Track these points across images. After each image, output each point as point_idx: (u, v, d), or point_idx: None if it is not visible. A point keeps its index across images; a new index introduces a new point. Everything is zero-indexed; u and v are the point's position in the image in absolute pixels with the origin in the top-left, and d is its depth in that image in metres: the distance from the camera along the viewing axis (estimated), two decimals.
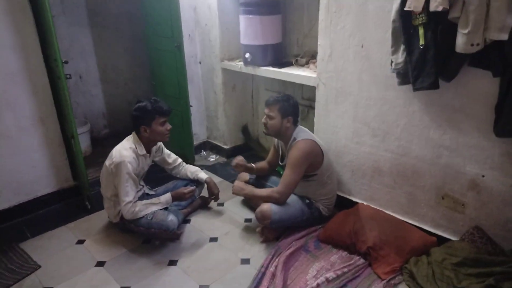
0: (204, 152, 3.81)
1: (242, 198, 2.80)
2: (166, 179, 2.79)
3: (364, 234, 2.18)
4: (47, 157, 2.77)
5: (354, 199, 2.62)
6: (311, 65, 2.77)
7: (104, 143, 4.02)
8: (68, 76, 2.58)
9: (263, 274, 2.06)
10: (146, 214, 2.29)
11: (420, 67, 1.89)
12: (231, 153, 3.69)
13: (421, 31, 1.84)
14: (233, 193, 2.44)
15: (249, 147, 3.79)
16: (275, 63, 2.96)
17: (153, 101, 2.34)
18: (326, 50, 2.45)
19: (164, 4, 3.06)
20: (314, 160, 2.33)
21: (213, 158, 3.71)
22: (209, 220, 2.66)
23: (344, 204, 2.61)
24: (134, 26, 4.07)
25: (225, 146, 3.69)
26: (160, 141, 2.50)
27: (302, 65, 2.85)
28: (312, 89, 2.78)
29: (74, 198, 2.95)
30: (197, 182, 2.71)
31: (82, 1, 3.72)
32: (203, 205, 2.82)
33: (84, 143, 3.71)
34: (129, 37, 4.11)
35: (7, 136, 2.56)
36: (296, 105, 2.39)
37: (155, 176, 2.85)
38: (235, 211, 2.73)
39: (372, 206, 2.48)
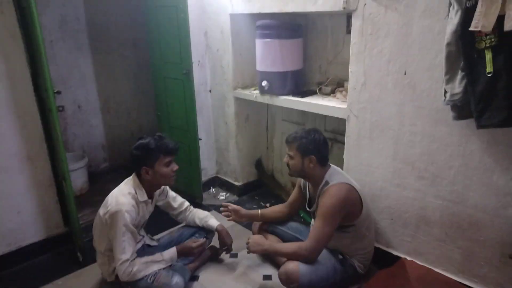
0: (213, 189, 3.43)
1: None
2: (170, 223, 2.40)
3: None
4: (34, 200, 2.40)
5: (394, 252, 2.20)
6: (338, 94, 2.43)
7: (103, 179, 3.68)
8: (60, 109, 2.25)
9: None
10: (146, 275, 1.89)
11: (487, 100, 1.53)
12: (243, 190, 3.31)
13: (488, 55, 1.49)
14: (249, 252, 2.04)
15: (263, 183, 3.41)
16: (295, 92, 2.61)
17: (157, 138, 1.99)
18: (359, 78, 2.10)
19: (172, 29, 2.77)
20: (351, 208, 1.95)
21: (223, 196, 3.32)
22: (221, 277, 2.25)
23: (380, 257, 2.20)
24: (139, 52, 3.80)
25: (236, 183, 3.31)
26: (164, 185, 2.13)
27: (327, 94, 2.51)
28: (336, 120, 2.47)
29: (65, 246, 2.55)
30: (207, 230, 2.32)
31: (83, 26, 3.45)
32: (213, 257, 2.41)
33: (80, 179, 3.38)
34: (133, 64, 3.83)
35: None
36: (319, 141, 2.02)
37: (158, 219, 2.46)
38: (251, 265, 2.32)
39: (418, 262, 2.07)
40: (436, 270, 2.01)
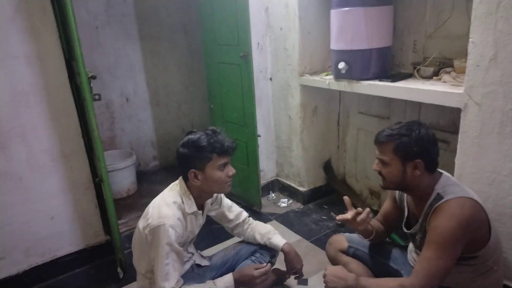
0: (273, 194, 2.95)
1: None
2: (224, 235, 1.97)
3: None
4: (70, 204, 2.08)
5: None
6: (445, 76, 1.82)
7: (152, 179, 3.33)
8: (96, 97, 1.88)
9: None
10: None
11: None
12: (309, 197, 2.80)
13: None
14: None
15: (332, 189, 2.87)
16: (382, 76, 2.05)
17: (210, 133, 1.54)
18: (486, 51, 1.50)
19: (228, 5, 2.33)
20: (476, 234, 1.36)
21: (284, 203, 2.83)
22: None
23: None
24: (191, 40, 3.44)
25: (300, 188, 2.80)
26: (218, 193, 1.68)
27: (428, 77, 1.91)
28: (437, 111, 1.94)
29: (105, 258, 2.22)
30: (270, 249, 1.85)
31: (131, 10, 3.14)
32: (278, 282, 1.92)
33: (127, 179, 3.06)
34: (184, 53, 3.46)
35: (18, 178, 1.90)
36: (428, 138, 1.43)
37: (209, 231, 2.04)
38: None
39: None
40: None
